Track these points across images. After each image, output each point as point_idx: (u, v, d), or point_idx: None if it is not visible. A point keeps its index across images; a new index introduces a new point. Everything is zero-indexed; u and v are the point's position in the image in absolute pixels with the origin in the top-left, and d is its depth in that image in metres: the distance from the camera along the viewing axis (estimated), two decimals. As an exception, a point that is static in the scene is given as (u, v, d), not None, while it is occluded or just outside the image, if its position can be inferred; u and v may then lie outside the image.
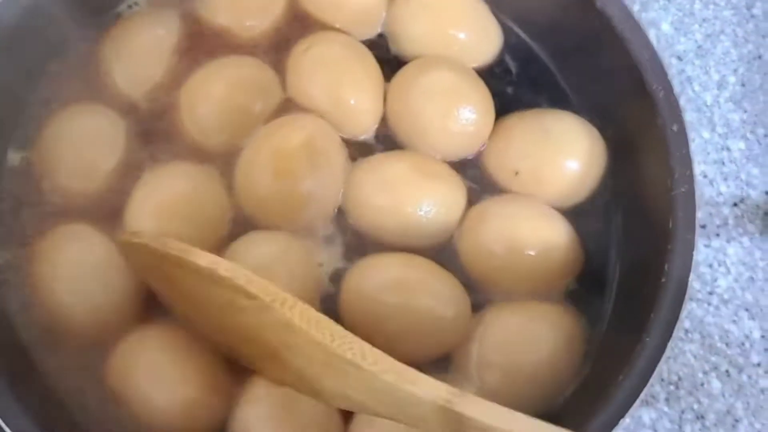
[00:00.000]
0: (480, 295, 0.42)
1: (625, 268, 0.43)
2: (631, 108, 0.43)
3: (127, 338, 0.39)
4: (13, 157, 0.44)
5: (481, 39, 0.48)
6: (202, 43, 0.46)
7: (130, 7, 0.47)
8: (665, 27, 0.60)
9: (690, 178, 0.39)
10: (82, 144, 0.43)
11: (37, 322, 0.40)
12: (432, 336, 0.40)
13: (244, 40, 0.46)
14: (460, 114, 0.44)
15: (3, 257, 0.42)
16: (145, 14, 0.47)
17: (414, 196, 0.42)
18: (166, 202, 0.42)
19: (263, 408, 0.38)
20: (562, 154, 0.44)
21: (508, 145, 0.45)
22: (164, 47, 0.46)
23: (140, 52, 0.45)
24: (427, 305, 0.40)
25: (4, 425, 0.34)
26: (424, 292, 0.41)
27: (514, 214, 0.43)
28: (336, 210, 0.43)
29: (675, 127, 0.40)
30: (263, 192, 0.42)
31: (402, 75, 0.46)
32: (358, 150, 0.45)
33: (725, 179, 0.55)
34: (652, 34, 0.47)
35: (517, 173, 0.44)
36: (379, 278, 0.41)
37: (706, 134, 0.57)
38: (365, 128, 0.45)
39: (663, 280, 0.38)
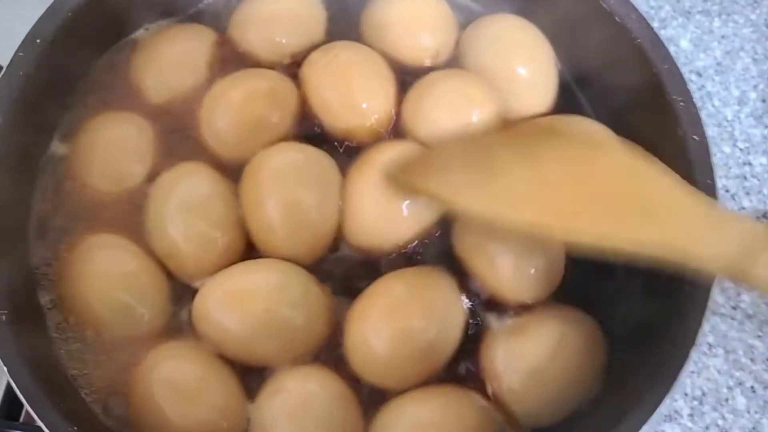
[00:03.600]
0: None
1: (646, 274, 0.42)
2: (650, 119, 0.44)
3: (153, 351, 0.40)
4: (54, 155, 0.45)
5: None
6: (232, 58, 0.47)
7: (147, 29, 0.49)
8: (684, 44, 0.60)
9: (712, 187, 0.39)
10: (113, 149, 0.44)
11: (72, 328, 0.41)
12: None
13: (271, 63, 0.48)
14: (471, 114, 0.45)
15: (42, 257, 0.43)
16: (179, 27, 0.49)
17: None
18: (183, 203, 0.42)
19: (283, 403, 0.39)
20: None
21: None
22: (197, 59, 0.47)
23: (173, 63, 0.47)
24: None
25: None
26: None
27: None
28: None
29: (696, 137, 0.40)
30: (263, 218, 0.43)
31: (418, 85, 0.47)
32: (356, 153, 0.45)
33: (747, 194, 0.56)
34: (671, 51, 0.47)
35: None
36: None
37: (727, 149, 0.57)
38: (374, 132, 0.46)
39: (688, 288, 0.38)
